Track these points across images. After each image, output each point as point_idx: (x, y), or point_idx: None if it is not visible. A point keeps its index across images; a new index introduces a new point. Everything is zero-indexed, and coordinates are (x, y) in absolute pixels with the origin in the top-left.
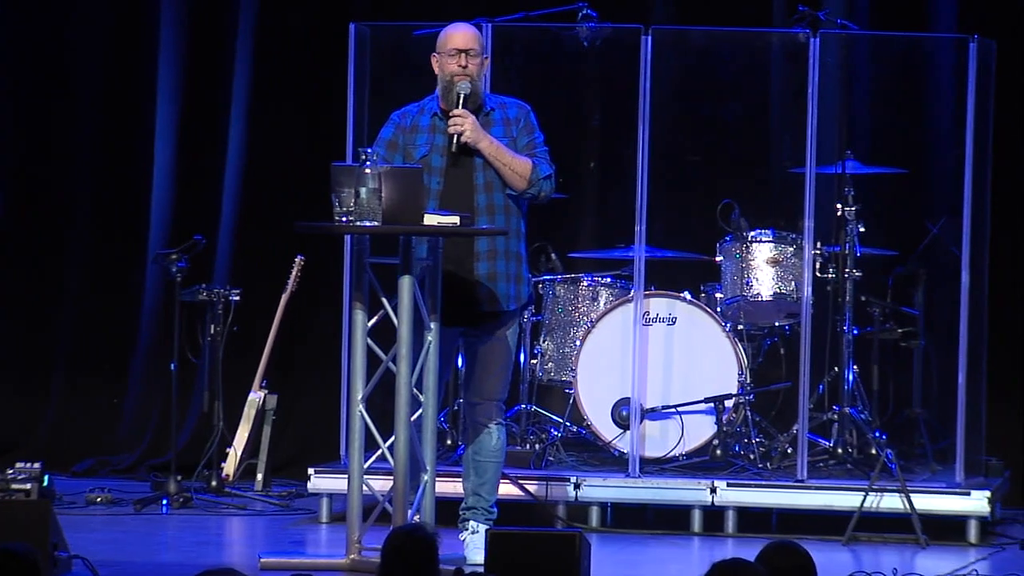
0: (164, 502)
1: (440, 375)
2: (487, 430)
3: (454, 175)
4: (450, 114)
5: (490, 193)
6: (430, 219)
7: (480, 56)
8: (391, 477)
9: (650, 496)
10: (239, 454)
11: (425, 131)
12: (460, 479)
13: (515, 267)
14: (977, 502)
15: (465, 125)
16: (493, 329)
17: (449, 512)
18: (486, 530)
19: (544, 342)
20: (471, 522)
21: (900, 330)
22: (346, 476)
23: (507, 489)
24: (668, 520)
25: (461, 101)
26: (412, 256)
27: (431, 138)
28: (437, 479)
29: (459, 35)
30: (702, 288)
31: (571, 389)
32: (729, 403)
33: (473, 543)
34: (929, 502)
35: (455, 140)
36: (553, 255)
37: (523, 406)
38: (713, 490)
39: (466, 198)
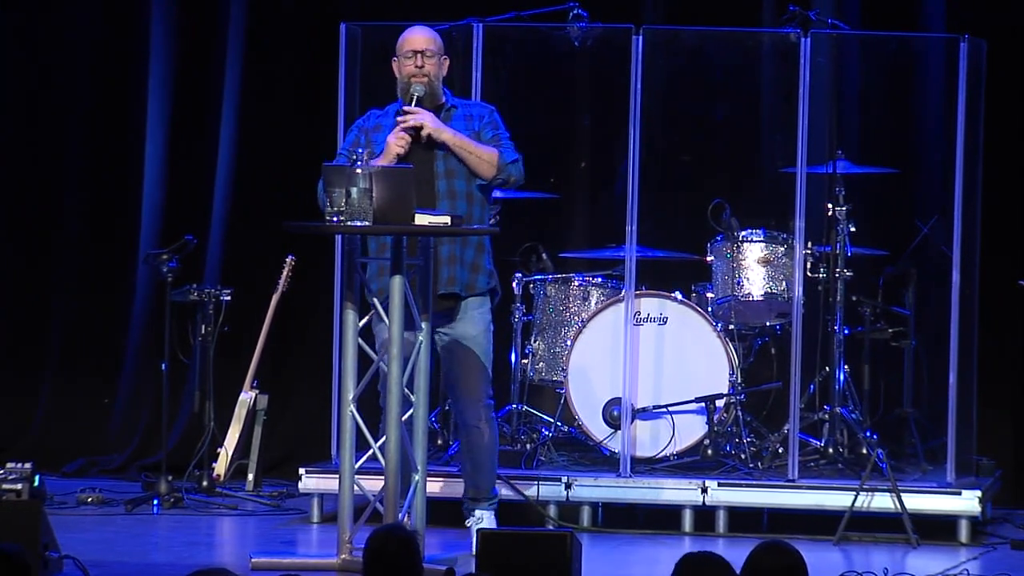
0: (155, 502)
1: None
2: (478, 430)
3: (416, 164)
4: (401, 109)
5: (451, 179)
6: (421, 219)
7: (437, 56)
8: (382, 477)
9: (641, 496)
10: (230, 454)
11: (386, 128)
12: (452, 479)
13: (472, 255)
14: (968, 502)
15: (424, 119)
16: (460, 326)
17: (441, 512)
18: (493, 513)
19: (535, 342)
20: (476, 511)
21: (891, 330)
22: (337, 476)
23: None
24: (659, 520)
25: (415, 102)
26: (403, 256)
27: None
28: (429, 479)
29: (414, 37)
30: (693, 288)
31: (562, 389)
32: (720, 403)
33: (486, 523)
34: (920, 502)
35: (420, 134)
36: (544, 255)
37: (514, 406)
38: (704, 490)
39: (427, 185)
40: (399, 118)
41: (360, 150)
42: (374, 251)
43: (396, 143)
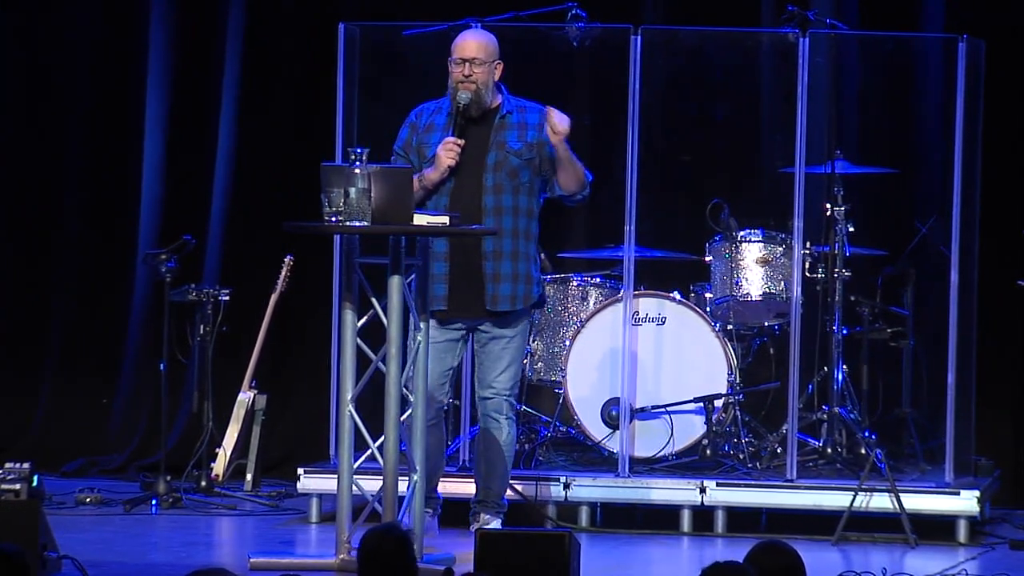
0: (153, 502)
1: (448, 367)
2: (497, 424)
3: (464, 177)
4: (444, 142)
5: (498, 195)
6: (419, 219)
7: (487, 64)
8: (381, 477)
9: (640, 496)
10: (228, 454)
11: (439, 129)
12: (452, 479)
13: (523, 267)
14: (966, 502)
15: (567, 125)
16: (500, 326)
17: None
18: (499, 521)
19: (534, 342)
20: (482, 515)
21: (889, 330)
22: (336, 476)
23: None
24: (658, 520)
25: (459, 110)
26: (402, 256)
27: (443, 136)
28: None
29: (464, 44)
30: (692, 288)
31: (561, 389)
32: (719, 403)
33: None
34: (918, 502)
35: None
36: (543, 255)
37: (513, 413)
38: (703, 490)
39: (474, 198)
40: (551, 122)
41: (360, 149)
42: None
43: (447, 156)
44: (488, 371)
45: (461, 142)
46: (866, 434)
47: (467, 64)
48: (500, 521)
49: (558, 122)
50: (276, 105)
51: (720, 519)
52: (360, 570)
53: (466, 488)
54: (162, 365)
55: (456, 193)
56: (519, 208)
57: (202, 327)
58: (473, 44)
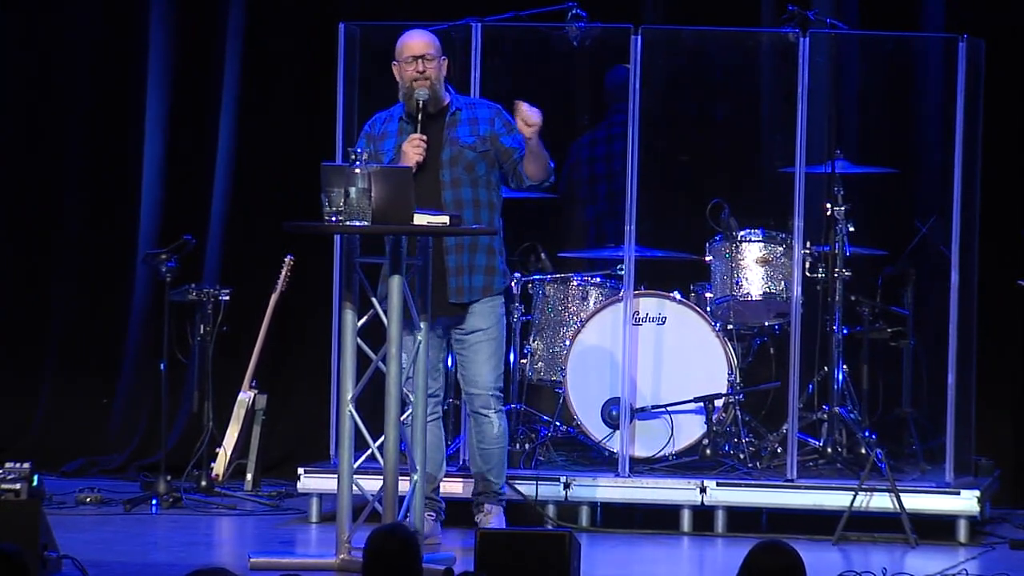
0: (154, 502)
1: (435, 360)
2: (487, 419)
3: (421, 173)
4: (409, 139)
5: (456, 189)
6: (420, 219)
7: (437, 59)
8: (381, 477)
9: (640, 496)
10: (229, 454)
11: (392, 135)
12: (450, 479)
13: (483, 259)
14: (967, 501)
15: (539, 119)
16: (472, 320)
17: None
18: (502, 509)
19: (534, 342)
20: (485, 505)
21: (890, 330)
22: (336, 476)
23: None
24: (658, 520)
25: (421, 106)
26: (401, 256)
27: (398, 141)
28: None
29: (413, 43)
30: (692, 288)
31: (561, 389)
32: (719, 403)
33: (494, 520)
34: (919, 501)
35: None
36: (543, 254)
37: (513, 405)
38: (703, 490)
39: (433, 194)
40: (524, 115)
41: (360, 150)
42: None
43: (415, 151)
44: (468, 368)
45: (425, 138)
46: (866, 434)
47: (419, 61)
48: (503, 509)
49: (531, 115)
50: (276, 105)
51: (720, 519)
52: (365, 569)
53: (466, 488)
54: (162, 365)
55: (417, 190)
56: (480, 201)
57: (202, 327)
58: (421, 42)
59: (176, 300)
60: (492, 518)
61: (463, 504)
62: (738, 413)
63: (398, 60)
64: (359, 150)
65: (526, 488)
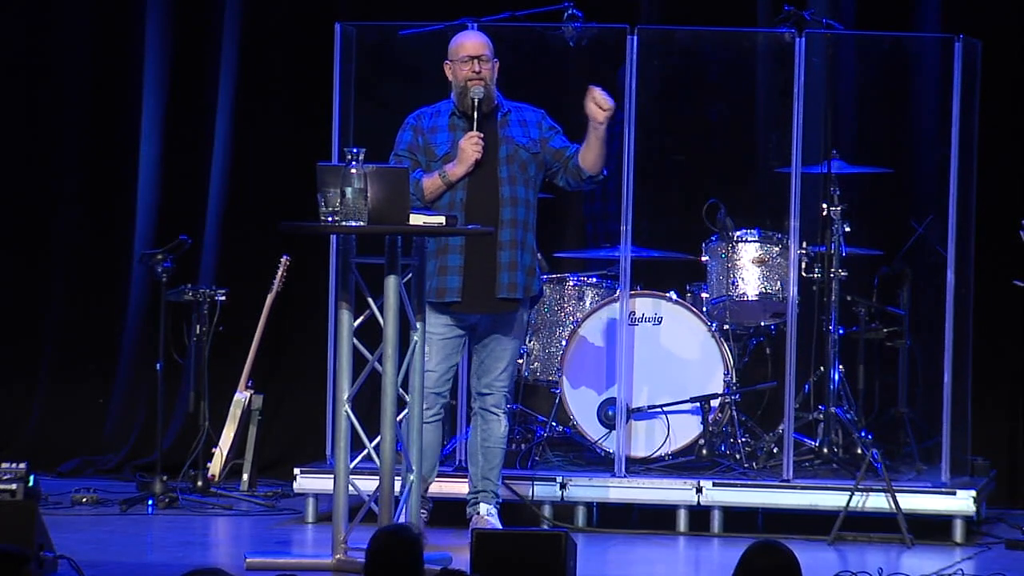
0: (150, 502)
1: (453, 364)
2: (496, 418)
3: (478, 169)
4: (467, 136)
5: (513, 186)
6: (415, 219)
7: (491, 61)
8: (377, 477)
9: (636, 496)
10: (225, 454)
11: (443, 130)
12: (450, 479)
13: (529, 259)
14: (963, 501)
15: (609, 105)
16: (503, 324)
17: (439, 511)
18: (497, 510)
19: (530, 342)
20: (482, 504)
21: (886, 330)
22: (332, 476)
23: None
24: (654, 520)
25: (476, 104)
26: (398, 255)
27: (451, 136)
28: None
29: (470, 43)
30: (688, 288)
31: (557, 389)
32: (715, 403)
33: (491, 521)
34: (915, 501)
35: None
36: (539, 254)
37: (509, 406)
38: (699, 490)
39: (492, 190)
40: (597, 99)
41: (356, 149)
42: (432, 251)
43: (473, 148)
44: (489, 369)
45: (483, 135)
46: (862, 434)
47: (475, 61)
48: (498, 510)
49: (604, 99)
50: (272, 105)
51: (716, 519)
52: (366, 570)
53: (462, 488)
54: (158, 365)
55: (473, 186)
56: (529, 202)
57: (198, 327)
58: (478, 42)
59: (172, 300)
60: (488, 518)
61: (458, 504)
62: (734, 413)
63: (452, 60)
64: (403, 145)
65: (522, 488)
